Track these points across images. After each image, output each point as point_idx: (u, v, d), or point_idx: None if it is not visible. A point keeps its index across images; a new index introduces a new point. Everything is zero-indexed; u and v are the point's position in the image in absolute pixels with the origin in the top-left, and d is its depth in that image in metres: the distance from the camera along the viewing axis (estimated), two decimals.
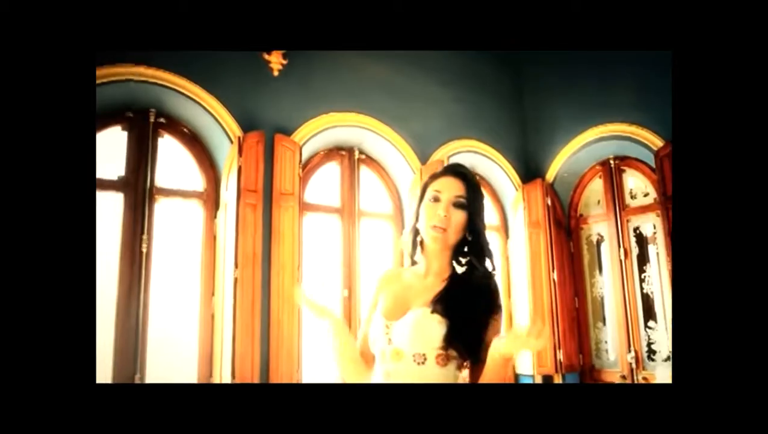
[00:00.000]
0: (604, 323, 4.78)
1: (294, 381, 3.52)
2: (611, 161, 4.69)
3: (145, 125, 3.56)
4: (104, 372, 3.24)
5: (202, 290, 3.60)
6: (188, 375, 3.50)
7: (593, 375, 4.71)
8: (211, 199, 3.70)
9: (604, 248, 4.78)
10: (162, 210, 3.56)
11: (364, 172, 4.37)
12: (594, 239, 4.87)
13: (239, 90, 3.70)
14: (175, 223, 3.62)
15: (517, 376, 4.79)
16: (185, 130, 3.71)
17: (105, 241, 3.37)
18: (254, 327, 3.39)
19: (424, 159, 4.39)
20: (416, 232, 1.56)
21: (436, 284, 1.49)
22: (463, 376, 1.46)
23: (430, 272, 1.53)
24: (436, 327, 1.38)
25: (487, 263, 1.51)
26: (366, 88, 4.24)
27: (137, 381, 3.26)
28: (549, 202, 4.76)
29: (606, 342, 4.74)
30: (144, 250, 3.41)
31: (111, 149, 3.47)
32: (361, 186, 4.30)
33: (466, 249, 1.52)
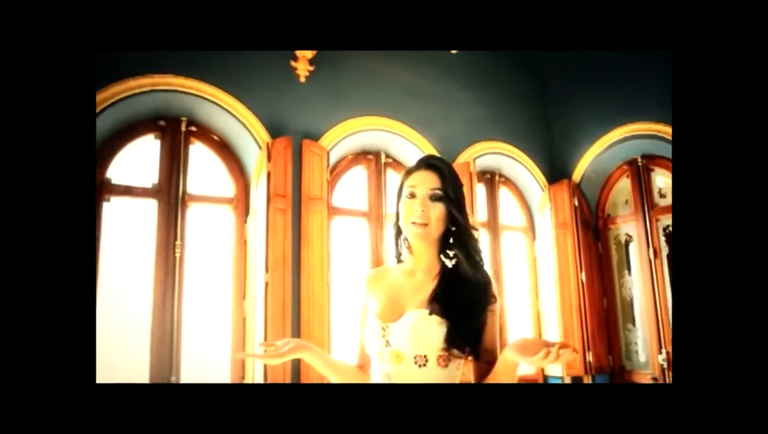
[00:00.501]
0: (634, 324, 4.73)
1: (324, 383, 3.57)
2: (639, 160, 4.65)
3: (177, 133, 3.65)
4: (141, 375, 3.33)
5: (234, 293, 3.67)
6: (221, 376, 3.58)
7: (623, 376, 4.67)
8: (242, 204, 3.78)
9: (633, 248, 4.74)
10: (194, 216, 3.64)
11: (391, 175, 4.41)
12: (622, 239, 4.84)
13: (267, 97, 3.77)
14: (206, 228, 3.70)
15: (545, 377, 4.78)
16: (215, 137, 3.80)
17: (141, 247, 3.47)
18: (285, 330, 3.45)
19: (449, 162, 4.40)
20: (399, 230, 1.55)
21: (427, 282, 1.47)
22: (462, 373, 1.45)
23: (419, 269, 1.51)
24: (435, 329, 1.37)
25: (475, 254, 1.48)
26: (391, 92, 4.28)
27: (173, 382, 3.34)
28: (576, 202, 4.74)
29: (636, 343, 4.69)
30: (178, 255, 3.50)
31: (144, 157, 3.57)
32: (387, 189, 4.33)
33: (451, 241, 1.48)
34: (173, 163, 3.61)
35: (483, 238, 4.58)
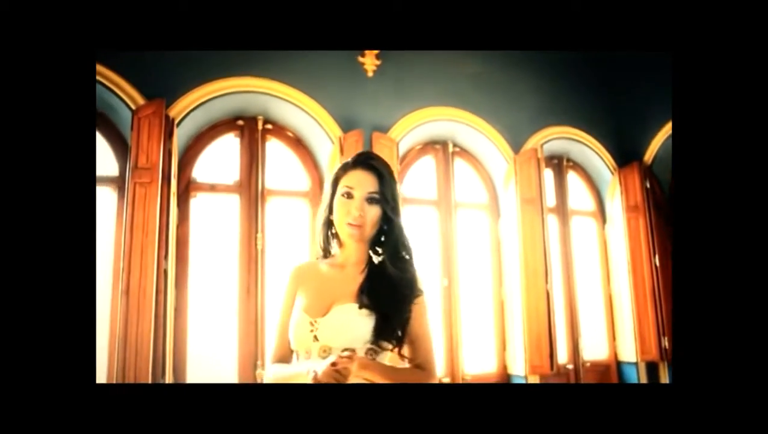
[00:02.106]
0: None
1: None
2: None
3: (255, 132, 3.85)
4: (229, 369, 3.54)
5: None
6: None
7: None
8: (317, 197, 3.93)
9: None
10: (273, 209, 3.83)
11: (459, 164, 4.48)
12: None
13: (337, 93, 3.91)
14: (284, 221, 3.88)
15: (619, 364, 4.74)
16: (290, 134, 3.97)
17: (225, 241, 3.69)
18: None
19: (516, 148, 4.43)
20: (329, 224, 1.52)
21: (355, 275, 1.46)
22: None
23: (348, 263, 1.50)
24: (364, 322, 1.37)
25: (403, 252, 1.48)
26: (457, 82, 4.33)
27: (258, 375, 3.53)
28: (648, 185, 4.65)
29: None
30: (259, 247, 3.70)
31: (226, 155, 3.79)
32: (455, 178, 4.40)
33: (382, 239, 1.47)
34: (252, 160, 3.81)
35: (552, 224, 4.57)
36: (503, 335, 4.39)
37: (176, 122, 3.42)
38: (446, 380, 4.07)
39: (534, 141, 4.54)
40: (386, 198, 1.44)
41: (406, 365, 1.45)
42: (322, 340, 1.38)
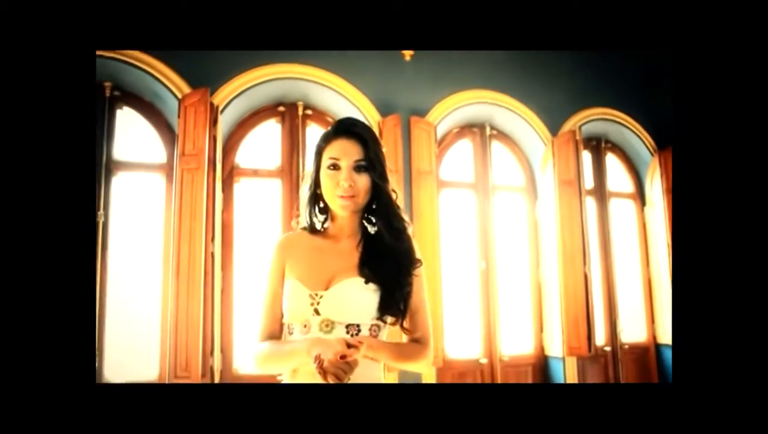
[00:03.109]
0: None
1: (439, 352, 3.76)
2: None
3: (295, 118, 3.93)
4: None
5: None
6: None
7: None
8: None
9: None
10: None
11: (496, 147, 4.48)
12: None
13: (376, 78, 3.95)
14: None
15: (657, 346, 4.73)
16: (329, 119, 4.03)
17: (268, 225, 3.80)
18: None
19: (554, 130, 4.41)
20: (316, 199, 1.45)
21: (352, 248, 1.41)
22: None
23: (343, 235, 1.43)
24: (370, 297, 1.34)
25: (396, 221, 1.41)
26: (493, 65, 4.32)
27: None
28: None
29: None
30: (300, 229, 3.78)
31: (268, 140, 3.88)
32: (493, 161, 4.41)
33: (374, 207, 1.41)
34: (293, 145, 3.89)
35: (590, 206, 4.55)
36: (540, 317, 4.41)
37: (220, 109, 3.52)
38: (484, 361, 4.13)
39: (572, 123, 4.51)
40: (374, 164, 1.37)
41: (404, 339, 1.44)
42: (325, 314, 1.33)
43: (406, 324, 1.41)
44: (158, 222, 3.55)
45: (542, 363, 4.37)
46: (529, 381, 4.31)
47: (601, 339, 4.44)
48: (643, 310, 4.83)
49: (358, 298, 1.33)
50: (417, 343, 1.42)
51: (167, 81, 3.45)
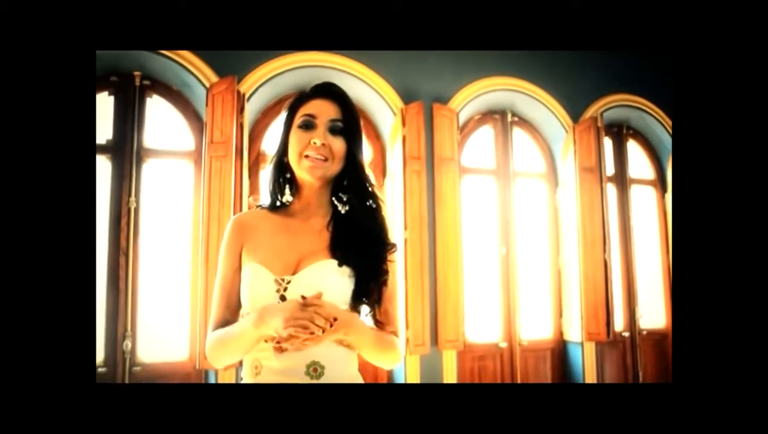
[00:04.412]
0: None
1: (459, 336, 3.84)
2: None
3: None
4: None
5: None
6: None
7: None
8: (379, 168, 4.06)
9: None
10: None
11: (517, 133, 4.50)
12: None
13: (398, 65, 3.98)
14: None
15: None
16: None
17: None
18: (423, 284, 3.74)
19: (575, 117, 4.42)
20: (282, 168, 1.30)
21: (321, 227, 1.26)
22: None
23: (309, 213, 1.28)
24: (344, 282, 1.20)
25: (369, 199, 1.30)
26: (514, 52, 4.32)
27: None
28: None
29: None
30: None
31: None
32: (514, 147, 4.44)
33: (345, 183, 1.28)
34: None
35: (610, 193, 4.57)
36: (560, 302, 4.46)
37: (246, 97, 3.59)
38: (503, 345, 4.20)
39: (593, 110, 4.51)
40: (351, 129, 1.25)
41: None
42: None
43: (378, 316, 1.29)
44: (187, 208, 3.64)
45: (561, 348, 4.43)
46: (548, 365, 4.38)
47: (619, 324, 4.49)
48: (662, 296, 4.86)
49: (331, 282, 1.19)
50: (391, 334, 1.29)
51: (195, 70, 3.52)
